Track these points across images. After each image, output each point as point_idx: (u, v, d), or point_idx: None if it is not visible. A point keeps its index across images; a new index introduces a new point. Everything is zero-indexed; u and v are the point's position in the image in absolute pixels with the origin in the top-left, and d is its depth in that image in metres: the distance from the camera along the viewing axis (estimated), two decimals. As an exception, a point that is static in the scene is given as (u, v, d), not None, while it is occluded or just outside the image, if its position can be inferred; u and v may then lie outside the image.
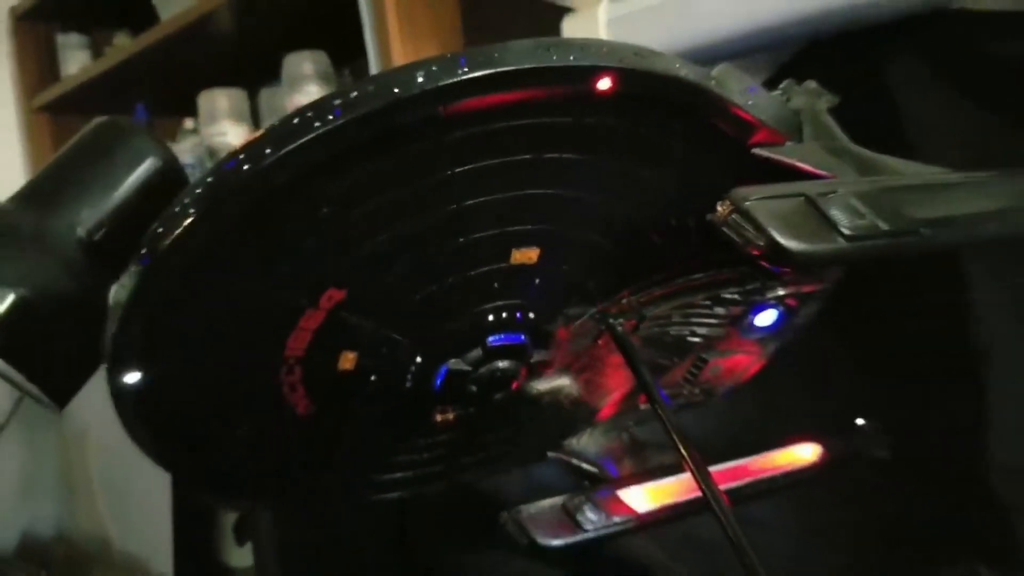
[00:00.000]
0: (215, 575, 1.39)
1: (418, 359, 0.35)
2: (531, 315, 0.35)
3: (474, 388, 0.35)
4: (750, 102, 0.32)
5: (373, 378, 0.35)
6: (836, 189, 0.31)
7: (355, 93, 0.27)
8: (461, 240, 0.32)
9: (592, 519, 0.40)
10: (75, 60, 1.48)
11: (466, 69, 0.27)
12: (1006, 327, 0.54)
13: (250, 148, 0.27)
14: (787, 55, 0.75)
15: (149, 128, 0.88)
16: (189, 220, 0.28)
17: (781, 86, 0.38)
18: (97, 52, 1.47)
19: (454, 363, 0.35)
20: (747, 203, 0.29)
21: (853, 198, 0.30)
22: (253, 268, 0.31)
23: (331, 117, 0.27)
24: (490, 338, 0.35)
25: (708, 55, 0.77)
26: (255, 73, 1.20)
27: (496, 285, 0.34)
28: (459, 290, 0.34)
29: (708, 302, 0.39)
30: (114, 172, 0.43)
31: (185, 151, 1.24)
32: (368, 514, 0.69)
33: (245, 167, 0.27)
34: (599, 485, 0.42)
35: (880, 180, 0.34)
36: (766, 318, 0.42)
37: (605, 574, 0.48)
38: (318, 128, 0.27)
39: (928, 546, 0.55)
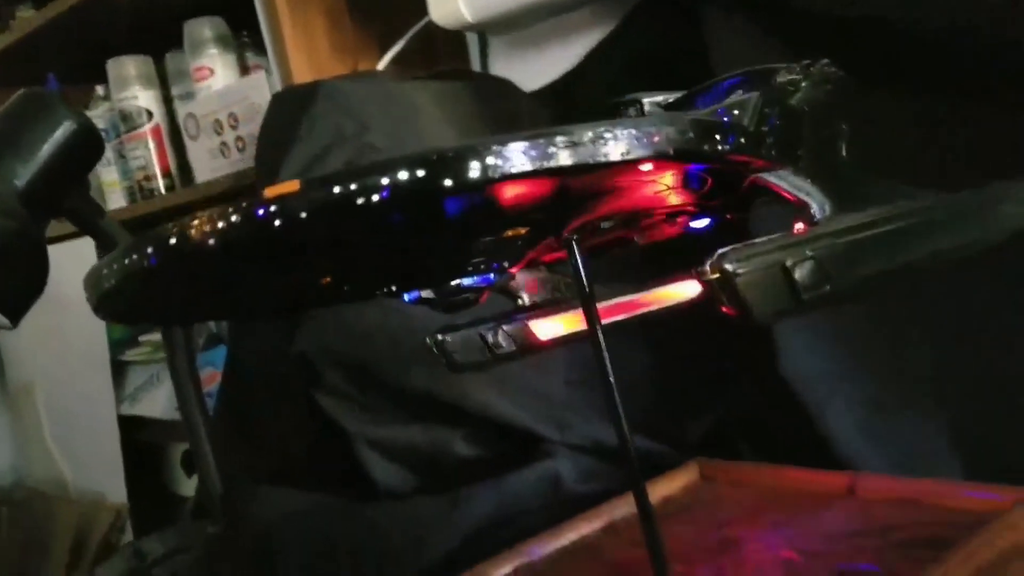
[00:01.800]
0: (168, 503, 1.51)
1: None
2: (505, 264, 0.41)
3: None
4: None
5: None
6: (806, 253, 0.34)
7: (404, 175, 0.26)
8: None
9: (503, 345, 0.47)
10: (-20, 35, 1.53)
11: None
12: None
13: (284, 202, 0.26)
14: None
15: (62, 96, 0.98)
16: (210, 242, 0.27)
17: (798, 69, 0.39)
18: (3, 26, 1.52)
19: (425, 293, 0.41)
20: (731, 272, 0.32)
21: (818, 264, 0.34)
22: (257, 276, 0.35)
23: (376, 199, 0.26)
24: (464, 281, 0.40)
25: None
26: (159, 39, 1.28)
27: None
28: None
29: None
30: (40, 134, 0.55)
31: (99, 116, 1.32)
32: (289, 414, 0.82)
33: (276, 222, 0.26)
34: (511, 315, 0.47)
35: (843, 229, 0.36)
36: (701, 223, 0.47)
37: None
38: (360, 204, 0.26)
39: (692, 397, 0.71)
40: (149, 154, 1.23)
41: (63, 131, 0.56)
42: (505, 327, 0.47)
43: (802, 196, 0.37)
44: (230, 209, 0.26)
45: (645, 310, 0.51)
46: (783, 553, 0.47)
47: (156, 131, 1.25)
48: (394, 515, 0.63)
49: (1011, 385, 0.62)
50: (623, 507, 0.56)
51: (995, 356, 0.63)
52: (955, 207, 0.43)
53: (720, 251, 0.33)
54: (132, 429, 1.33)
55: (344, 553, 0.60)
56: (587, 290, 0.38)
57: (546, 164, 0.26)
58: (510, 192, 0.28)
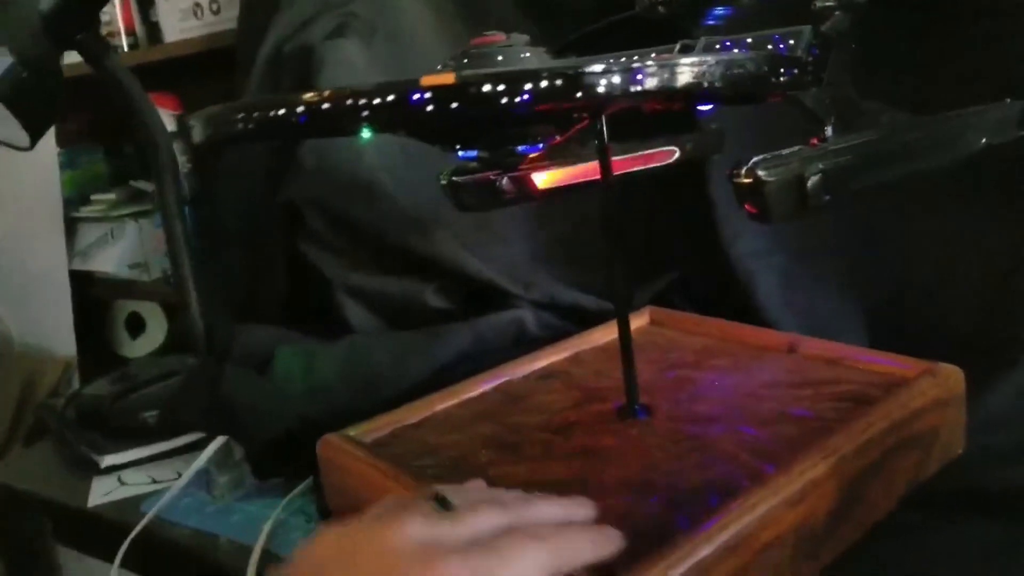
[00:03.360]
0: (111, 362, 1.54)
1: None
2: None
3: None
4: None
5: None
6: (819, 167, 0.39)
7: (544, 83, 0.29)
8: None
9: (507, 191, 0.52)
10: None
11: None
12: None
13: (439, 91, 0.29)
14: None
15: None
16: (363, 114, 0.30)
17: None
18: None
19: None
20: (763, 178, 0.37)
21: (824, 177, 0.40)
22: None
23: (519, 99, 0.29)
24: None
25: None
26: None
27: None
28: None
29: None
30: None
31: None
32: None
33: (428, 107, 0.29)
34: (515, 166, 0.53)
35: (845, 148, 0.42)
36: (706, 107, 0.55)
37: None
38: (504, 103, 0.29)
39: (644, 265, 0.77)
40: (113, 10, 1.22)
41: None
42: (510, 175, 0.54)
43: (821, 115, 0.42)
44: (385, 87, 0.29)
45: (633, 169, 0.59)
46: (731, 393, 0.55)
47: (122, -13, 1.23)
48: (376, 342, 0.70)
49: (910, 271, 0.72)
50: (585, 343, 0.65)
51: (896, 248, 0.73)
52: (930, 132, 0.50)
53: (754, 159, 0.38)
54: (82, 285, 1.35)
55: (329, 370, 0.67)
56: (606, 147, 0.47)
57: (669, 85, 0.30)
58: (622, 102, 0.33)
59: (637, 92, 0.30)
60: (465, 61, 0.40)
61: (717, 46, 0.44)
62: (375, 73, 0.82)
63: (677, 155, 0.66)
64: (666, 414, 0.53)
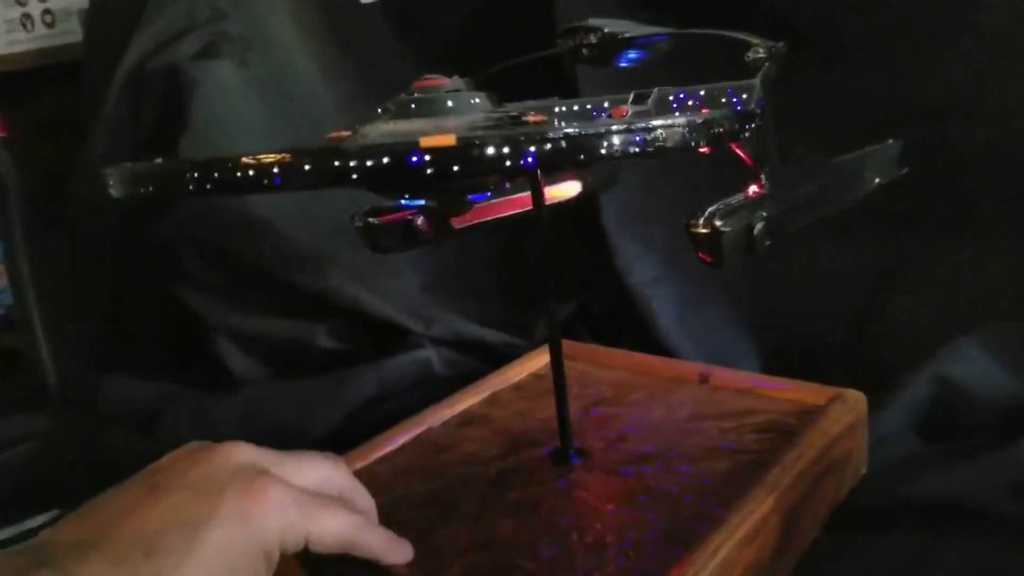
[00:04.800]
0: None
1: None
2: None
3: None
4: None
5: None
6: (762, 215, 0.40)
7: (548, 147, 0.28)
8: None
9: (423, 229, 0.52)
10: None
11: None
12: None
13: (439, 154, 0.27)
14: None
15: None
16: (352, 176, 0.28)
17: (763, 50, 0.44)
18: None
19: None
20: (719, 228, 0.38)
21: (768, 223, 0.40)
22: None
23: (523, 163, 0.28)
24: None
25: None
26: None
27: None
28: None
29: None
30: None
31: None
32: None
33: (428, 171, 0.27)
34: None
35: (781, 194, 0.43)
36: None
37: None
38: (508, 165, 0.28)
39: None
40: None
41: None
42: (425, 215, 0.51)
43: (762, 162, 0.43)
44: (382, 148, 0.27)
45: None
46: (657, 429, 0.54)
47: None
48: (275, 392, 0.66)
49: (790, 295, 0.76)
50: (500, 382, 0.63)
51: (773, 272, 0.77)
52: (841, 173, 0.52)
53: (709, 209, 0.39)
54: None
55: (225, 427, 0.61)
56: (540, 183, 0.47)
57: (636, 149, 0.30)
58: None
59: (634, 153, 0.29)
60: (413, 107, 0.38)
61: (671, 97, 0.43)
62: (251, 95, 0.76)
63: (579, 189, 0.66)
64: (599, 456, 0.52)
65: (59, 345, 0.71)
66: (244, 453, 0.36)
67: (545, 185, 0.61)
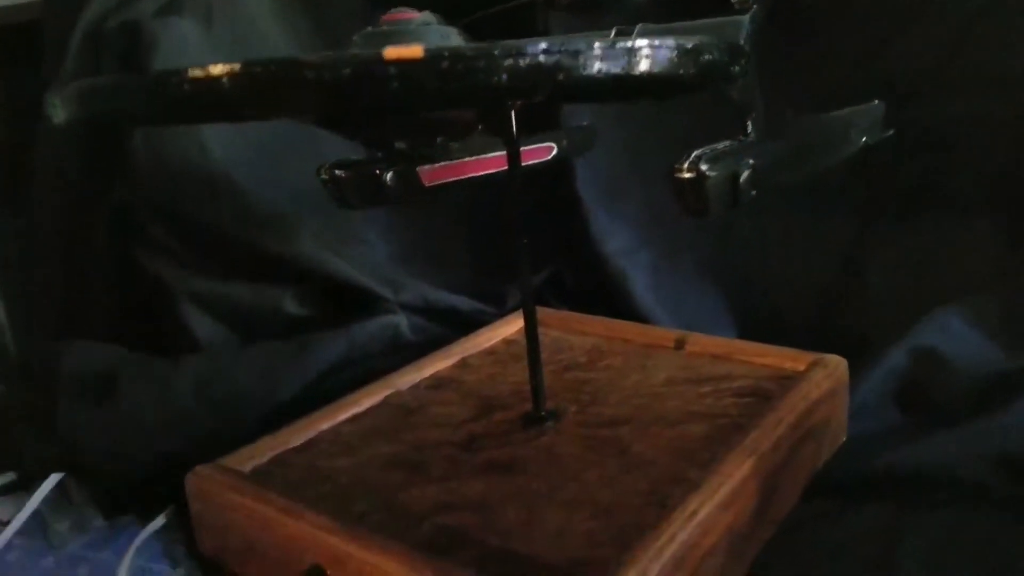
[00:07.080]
0: None
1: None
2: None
3: None
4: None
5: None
6: (751, 164, 0.38)
7: (524, 61, 0.26)
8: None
9: (392, 187, 0.49)
10: None
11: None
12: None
13: (405, 66, 0.25)
14: None
15: None
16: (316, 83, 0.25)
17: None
18: None
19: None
20: (704, 172, 0.36)
21: (754, 172, 0.39)
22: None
23: (496, 79, 0.26)
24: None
25: None
26: None
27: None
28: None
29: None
30: None
31: None
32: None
33: (394, 84, 0.25)
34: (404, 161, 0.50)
35: (770, 143, 0.42)
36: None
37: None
38: (481, 80, 0.26)
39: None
40: None
41: None
42: (395, 169, 0.49)
43: (747, 108, 0.41)
44: (348, 57, 0.25)
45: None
46: (633, 393, 0.53)
47: None
48: (237, 357, 0.63)
49: (763, 267, 0.75)
50: (471, 347, 0.62)
51: (746, 243, 0.76)
52: (827, 130, 0.51)
53: (695, 153, 0.37)
54: None
55: (185, 394, 0.59)
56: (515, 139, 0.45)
57: (618, 70, 0.27)
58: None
59: (616, 77, 0.27)
60: (381, 39, 0.35)
61: (654, 35, 0.42)
62: (214, 54, 0.73)
63: (555, 152, 0.64)
64: (573, 419, 0.51)
65: (19, 315, 0.68)
66: None
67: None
